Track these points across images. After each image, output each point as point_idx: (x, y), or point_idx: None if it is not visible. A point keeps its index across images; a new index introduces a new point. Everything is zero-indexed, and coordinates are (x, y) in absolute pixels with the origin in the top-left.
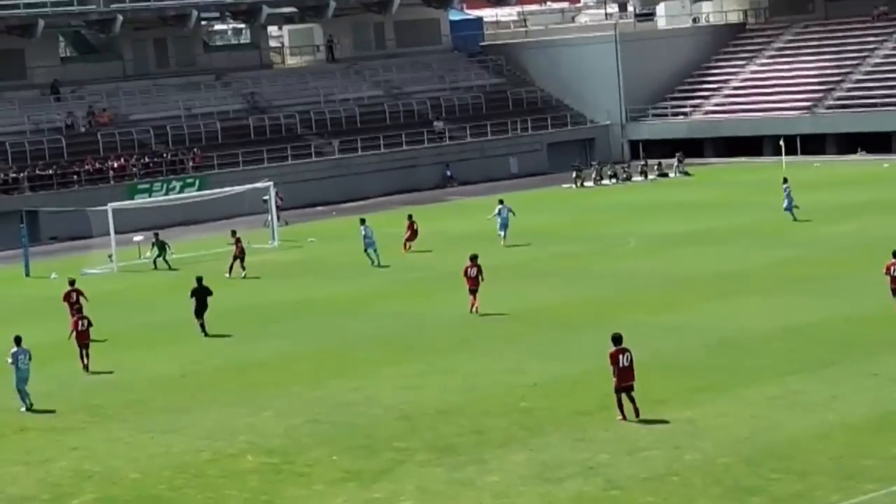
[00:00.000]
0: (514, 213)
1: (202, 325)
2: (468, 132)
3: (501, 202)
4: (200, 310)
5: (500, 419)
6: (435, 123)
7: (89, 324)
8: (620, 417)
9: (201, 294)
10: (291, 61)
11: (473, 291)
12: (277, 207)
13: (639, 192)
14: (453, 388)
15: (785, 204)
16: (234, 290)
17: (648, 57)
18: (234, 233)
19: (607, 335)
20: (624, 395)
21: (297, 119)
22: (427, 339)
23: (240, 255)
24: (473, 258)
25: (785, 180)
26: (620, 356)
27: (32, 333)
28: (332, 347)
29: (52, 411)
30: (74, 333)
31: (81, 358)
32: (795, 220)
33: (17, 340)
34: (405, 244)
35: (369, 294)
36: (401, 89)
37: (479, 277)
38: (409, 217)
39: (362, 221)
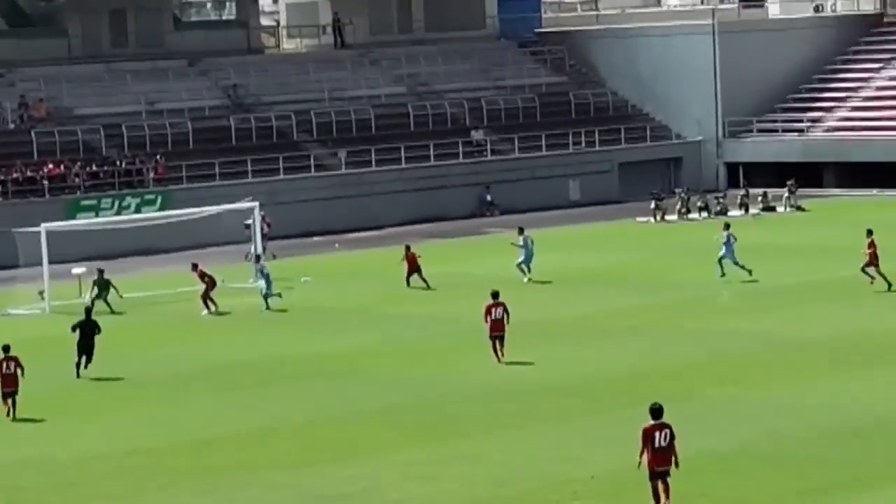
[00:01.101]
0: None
1: (78, 365)
2: (516, 145)
3: (522, 230)
4: (84, 349)
5: None
6: (473, 133)
7: (17, 367)
8: None
9: (86, 329)
10: (288, 46)
11: (498, 338)
12: (263, 236)
13: (737, 231)
14: (482, 480)
15: (721, 251)
16: (203, 342)
17: (755, 54)
18: (195, 266)
19: (688, 414)
20: (660, 483)
21: (294, 121)
22: (449, 415)
23: (208, 287)
24: (495, 295)
25: (727, 226)
26: (657, 433)
27: None
28: (323, 421)
29: None
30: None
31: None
32: (722, 274)
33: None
34: (408, 281)
35: (376, 352)
36: (429, 87)
37: (505, 320)
38: (407, 248)
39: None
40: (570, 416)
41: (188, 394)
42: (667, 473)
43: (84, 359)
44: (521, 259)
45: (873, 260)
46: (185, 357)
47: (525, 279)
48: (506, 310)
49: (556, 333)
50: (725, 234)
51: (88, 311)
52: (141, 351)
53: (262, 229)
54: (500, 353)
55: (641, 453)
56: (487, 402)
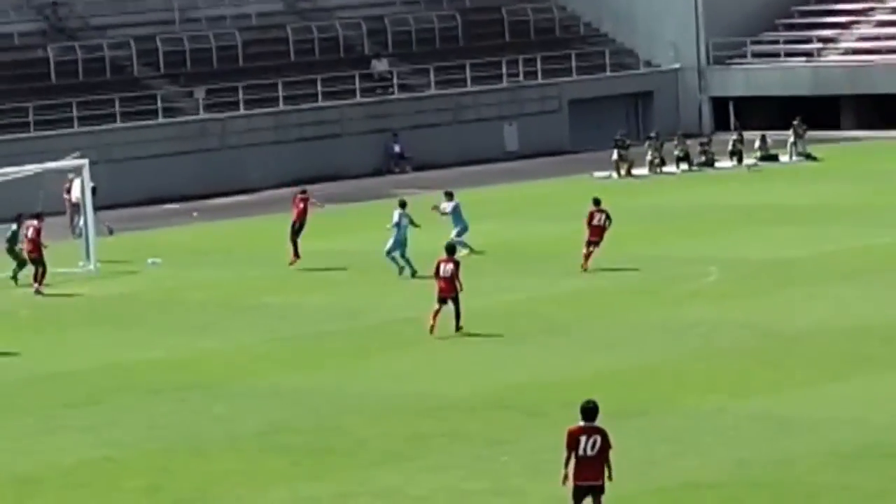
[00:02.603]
0: (416, 225)
1: None
2: (432, 79)
3: (403, 205)
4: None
5: None
6: (374, 63)
7: None
8: None
9: None
10: None
11: (448, 300)
12: (73, 205)
13: (726, 188)
14: None
15: (455, 231)
16: (17, 345)
17: None
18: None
19: (663, 432)
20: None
21: (133, 50)
22: (351, 437)
23: (33, 255)
24: (449, 249)
25: (449, 196)
26: (583, 439)
27: None
28: (184, 449)
29: None
30: None
31: None
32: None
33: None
34: (293, 248)
35: (252, 356)
36: (314, 2)
37: (457, 280)
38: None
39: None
40: (506, 436)
41: (2, 415)
42: (597, 491)
43: None
44: (456, 230)
45: (594, 236)
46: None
47: (466, 252)
48: (457, 265)
49: (486, 327)
50: (399, 213)
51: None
52: None
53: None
54: (435, 323)
55: (567, 462)
56: (400, 420)
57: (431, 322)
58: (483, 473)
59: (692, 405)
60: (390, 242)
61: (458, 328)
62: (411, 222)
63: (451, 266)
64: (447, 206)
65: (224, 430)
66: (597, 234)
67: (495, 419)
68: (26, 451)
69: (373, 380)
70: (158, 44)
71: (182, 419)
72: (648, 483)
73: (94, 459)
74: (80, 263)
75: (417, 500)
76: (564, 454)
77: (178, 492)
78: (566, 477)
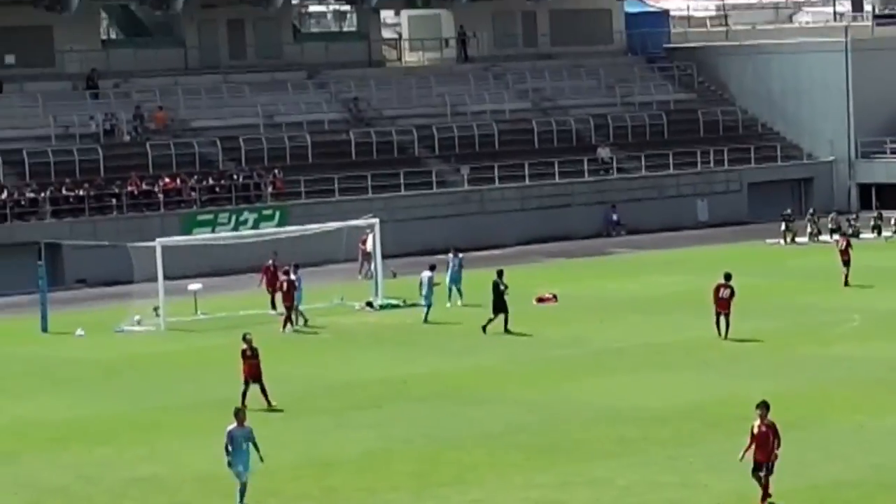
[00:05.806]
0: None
1: (492, 322)
2: (643, 163)
3: (456, 252)
4: (499, 308)
5: None
6: (599, 150)
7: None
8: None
9: (497, 288)
10: (410, 59)
11: (723, 315)
12: (367, 254)
13: (869, 254)
14: None
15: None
16: (318, 361)
17: (889, 72)
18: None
19: (812, 442)
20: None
21: (415, 136)
22: (572, 438)
23: (279, 289)
24: (727, 277)
25: (432, 267)
26: (755, 424)
27: (49, 406)
28: (443, 444)
29: None
30: None
31: None
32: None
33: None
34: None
35: (498, 374)
36: (554, 102)
37: (732, 300)
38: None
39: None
40: (691, 441)
41: (307, 413)
42: (767, 467)
43: (501, 317)
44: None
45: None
46: (301, 375)
47: (448, 304)
48: (733, 292)
49: (678, 357)
50: (452, 259)
51: (500, 272)
52: None
53: (364, 247)
54: (722, 330)
55: (748, 447)
56: (610, 426)
57: (717, 331)
58: (674, 470)
59: (837, 422)
60: None
61: (726, 336)
62: None
63: (728, 291)
64: (426, 275)
65: (475, 429)
66: (845, 255)
67: (683, 428)
68: (322, 442)
69: (589, 394)
70: (434, 131)
71: (443, 420)
72: (802, 482)
73: (375, 450)
74: (373, 300)
75: (622, 489)
76: (747, 440)
77: (439, 477)
78: (744, 456)
